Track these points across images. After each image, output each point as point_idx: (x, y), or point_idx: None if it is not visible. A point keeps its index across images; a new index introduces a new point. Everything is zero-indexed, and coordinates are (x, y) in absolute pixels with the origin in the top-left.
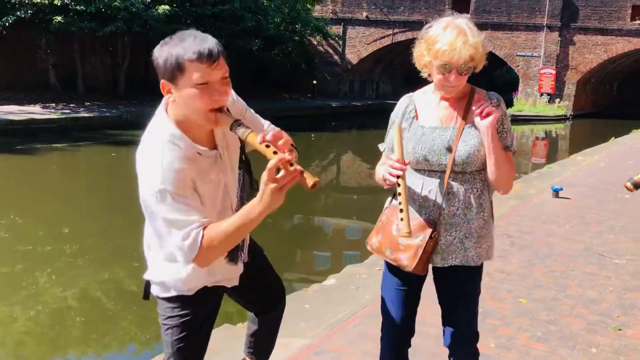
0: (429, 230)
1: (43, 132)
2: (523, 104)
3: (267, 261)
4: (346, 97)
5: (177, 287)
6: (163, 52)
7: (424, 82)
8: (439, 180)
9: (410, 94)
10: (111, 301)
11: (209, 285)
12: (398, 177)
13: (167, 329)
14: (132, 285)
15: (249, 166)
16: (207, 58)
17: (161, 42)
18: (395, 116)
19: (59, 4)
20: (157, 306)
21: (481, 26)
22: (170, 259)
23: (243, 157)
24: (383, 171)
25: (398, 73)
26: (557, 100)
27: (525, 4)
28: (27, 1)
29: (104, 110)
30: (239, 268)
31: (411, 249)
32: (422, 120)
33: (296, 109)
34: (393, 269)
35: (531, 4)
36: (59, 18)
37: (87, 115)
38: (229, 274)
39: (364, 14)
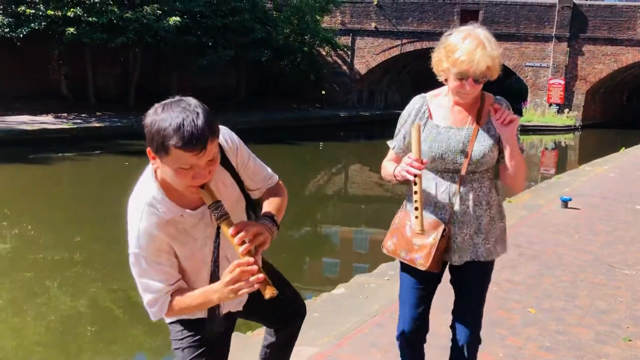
0: (441, 229)
1: (55, 142)
2: (532, 114)
3: (282, 277)
4: (354, 107)
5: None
6: (151, 125)
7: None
8: (451, 180)
9: (423, 94)
10: (121, 309)
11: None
12: (415, 176)
13: (179, 352)
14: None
15: (255, 207)
16: (193, 148)
17: (152, 109)
18: (407, 115)
19: (71, 16)
20: (169, 328)
21: None
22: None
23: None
24: (399, 169)
25: (406, 83)
26: (566, 110)
27: (534, 15)
28: (40, 13)
29: (115, 120)
30: (244, 296)
31: (425, 248)
32: (437, 120)
33: (305, 119)
34: (409, 270)
35: (540, 15)
36: (71, 29)
37: (98, 125)
38: (230, 303)
39: (373, 24)
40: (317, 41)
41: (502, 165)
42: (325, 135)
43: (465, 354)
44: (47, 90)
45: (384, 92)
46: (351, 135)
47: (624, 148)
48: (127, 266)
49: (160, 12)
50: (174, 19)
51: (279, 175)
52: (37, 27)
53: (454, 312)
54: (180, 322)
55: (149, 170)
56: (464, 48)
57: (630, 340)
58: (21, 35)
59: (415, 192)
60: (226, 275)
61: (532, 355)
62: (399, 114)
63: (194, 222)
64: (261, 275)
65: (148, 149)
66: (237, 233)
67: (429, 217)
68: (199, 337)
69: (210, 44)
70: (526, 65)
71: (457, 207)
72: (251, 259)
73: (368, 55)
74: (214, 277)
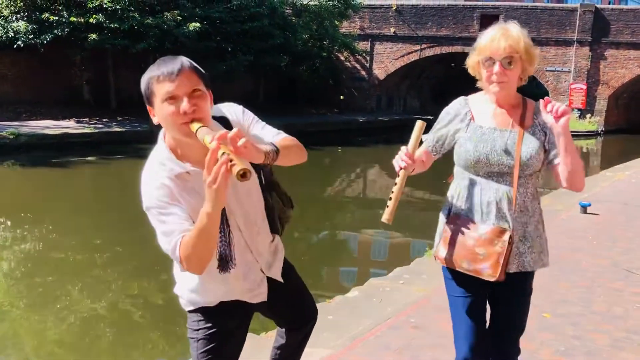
0: (507, 235)
1: (77, 146)
2: None
3: (301, 280)
4: (373, 112)
5: (194, 300)
6: (142, 82)
7: (453, 97)
8: (497, 183)
9: (465, 97)
10: (140, 314)
11: (227, 300)
12: (401, 168)
13: (193, 342)
14: (159, 299)
15: (272, 186)
16: (168, 74)
17: None
18: (446, 115)
19: (94, 23)
20: (188, 320)
21: None
22: (183, 271)
23: (263, 180)
24: (395, 159)
25: (425, 88)
26: (588, 115)
27: (555, 19)
28: (64, 20)
29: (136, 125)
30: (256, 283)
31: (492, 257)
32: (479, 122)
33: (323, 124)
34: (457, 279)
35: (561, 19)
36: (94, 36)
37: (119, 129)
38: (243, 288)
39: (392, 29)
40: (335, 46)
41: (555, 167)
42: (343, 140)
43: None
44: (69, 95)
45: (403, 97)
46: (370, 140)
47: None
48: (148, 270)
49: (180, 18)
50: (194, 25)
51: (296, 180)
52: (60, 34)
53: (493, 328)
54: (199, 311)
55: (159, 138)
56: (487, 35)
57: None
58: (44, 42)
59: (395, 184)
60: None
61: None
62: (418, 119)
63: (201, 180)
64: (228, 155)
65: (148, 107)
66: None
67: (490, 225)
68: (214, 329)
69: (229, 49)
70: (547, 70)
71: (507, 213)
72: (217, 144)
73: (387, 60)
74: (224, 243)
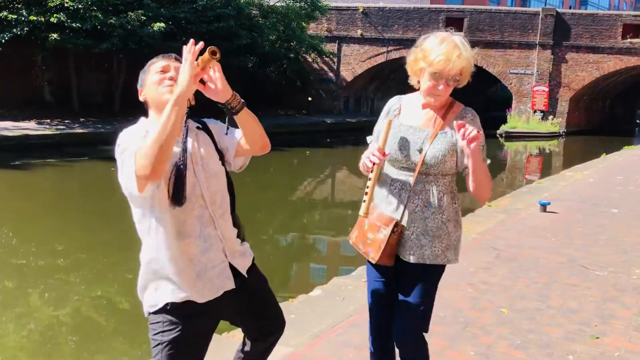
0: (392, 224)
1: (37, 148)
2: (516, 121)
3: (272, 293)
4: (341, 114)
5: (163, 296)
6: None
7: None
8: (406, 178)
9: (401, 95)
10: (103, 318)
11: (198, 301)
12: (373, 164)
13: (157, 344)
14: (123, 303)
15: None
16: (165, 57)
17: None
18: (386, 112)
19: (55, 22)
20: (149, 324)
21: (474, 44)
22: (151, 251)
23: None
24: (363, 158)
25: (393, 90)
26: (551, 117)
27: (518, 23)
28: (23, 19)
29: (99, 126)
30: (216, 263)
31: (376, 242)
32: (403, 119)
33: (291, 126)
34: (370, 263)
35: (524, 23)
36: (54, 35)
37: (81, 131)
38: (202, 263)
39: (359, 32)
40: (303, 48)
41: (467, 176)
42: (311, 141)
43: (404, 351)
44: (30, 96)
45: (370, 99)
46: (338, 141)
47: (605, 154)
48: (111, 274)
49: (144, 18)
50: (159, 25)
51: (264, 181)
52: (19, 33)
53: (395, 308)
54: (165, 312)
55: (139, 121)
56: (442, 49)
57: (597, 338)
58: (3, 41)
59: (370, 179)
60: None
61: (502, 353)
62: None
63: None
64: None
65: (139, 90)
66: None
67: (383, 213)
68: (180, 332)
69: None
70: (510, 73)
71: (407, 205)
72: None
73: (354, 62)
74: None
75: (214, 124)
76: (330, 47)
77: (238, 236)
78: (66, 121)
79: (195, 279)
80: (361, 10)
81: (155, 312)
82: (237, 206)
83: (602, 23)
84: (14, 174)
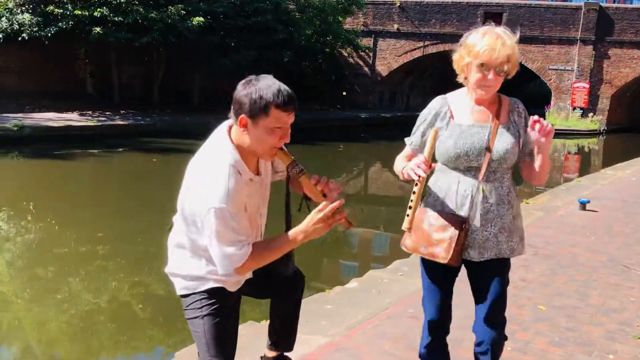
0: (461, 223)
1: (79, 139)
2: (555, 118)
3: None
4: (376, 109)
5: (204, 285)
6: (250, 92)
7: None
8: (474, 177)
9: (444, 95)
10: (140, 306)
11: (232, 290)
12: (419, 177)
13: (198, 319)
14: (159, 290)
15: (289, 195)
16: (290, 107)
17: (245, 80)
18: (427, 114)
19: (98, 16)
20: (185, 309)
21: None
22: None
23: (287, 190)
24: (407, 168)
25: (428, 85)
26: (590, 114)
27: (559, 18)
28: (68, 13)
29: (139, 118)
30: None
31: (444, 241)
32: (459, 119)
33: (325, 120)
34: (428, 265)
35: (565, 18)
36: (98, 29)
37: (122, 122)
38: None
39: (395, 26)
40: (339, 42)
41: (527, 164)
42: (345, 136)
43: (491, 351)
44: (73, 88)
45: (406, 94)
46: (372, 136)
47: None
48: (148, 262)
49: (184, 12)
50: (198, 19)
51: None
52: (64, 27)
53: (477, 311)
54: (199, 293)
55: (225, 138)
56: (485, 41)
57: (639, 338)
58: (49, 35)
59: (414, 193)
60: (316, 215)
61: (541, 350)
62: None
63: (256, 187)
64: (345, 211)
65: (242, 117)
66: (318, 182)
67: (451, 213)
68: (217, 306)
69: (232, 44)
70: (550, 69)
71: (480, 205)
72: (337, 201)
73: (390, 56)
74: (288, 224)
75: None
76: (366, 41)
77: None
78: (107, 113)
79: (237, 282)
80: (398, 4)
81: (192, 293)
82: (272, 201)
83: None
84: (56, 163)
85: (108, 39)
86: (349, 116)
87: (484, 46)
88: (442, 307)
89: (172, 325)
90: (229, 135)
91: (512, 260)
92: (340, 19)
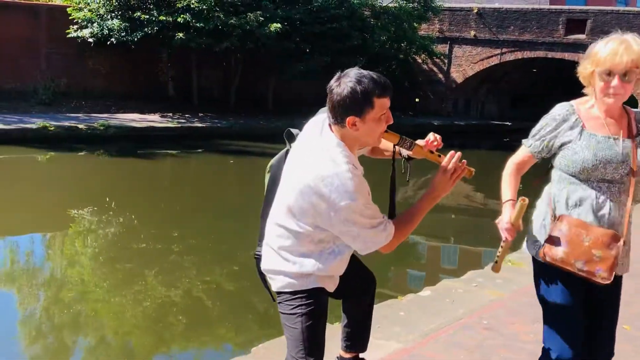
0: (621, 241)
1: (160, 139)
2: None
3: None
4: (449, 116)
5: (308, 284)
6: (354, 93)
7: (534, 104)
8: (608, 190)
9: (570, 102)
10: (210, 303)
11: (331, 290)
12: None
13: (297, 317)
14: (230, 287)
15: (394, 170)
16: (389, 91)
17: (335, 81)
18: (552, 121)
19: (181, 22)
20: (282, 303)
21: None
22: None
23: (393, 165)
24: (500, 222)
25: (505, 94)
26: None
27: None
28: (154, 19)
29: (216, 121)
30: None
31: (608, 260)
32: (592, 129)
33: (397, 127)
34: (555, 279)
35: None
36: (180, 34)
37: (200, 125)
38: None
39: (472, 32)
40: (413, 48)
41: None
42: None
43: None
44: (155, 90)
45: (481, 102)
46: (444, 144)
47: None
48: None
49: (262, 18)
50: (275, 26)
51: (369, 184)
52: (149, 32)
53: (591, 329)
54: (300, 292)
55: (330, 136)
56: (608, 47)
57: None
58: (135, 39)
59: (501, 247)
60: (443, 172)
61: None
62: (495, 125)
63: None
64: (464, 161)
65: (349, 118)
66: (430, 144)
67: (603, 229)
68: (314, 306)
69: (307, 50)
70: None
71: (618, 219)
72: (458, 153)
73: (465, 63)
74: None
75: None
76: (441, 48)
77: None
78: (186, 115)
79: (335, 282)
80: (475, 10)
81: (292, 292)
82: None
83: None
84: (138, 162)
85: (190, 44)
86: (421, 123)
87: (606, 52)
88: (579, 336)
89: (241, 324)
90: (332, 133)
91: None
92: (416, 25)
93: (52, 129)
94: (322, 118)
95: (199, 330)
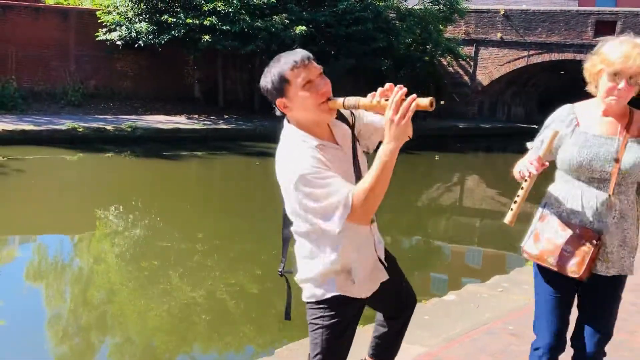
0: (595, 237)
1: (186, 141)
2: None
3: (400, 269)
4: (474, 119)
5: (331, 290)
6: (267, 78)
7: (561, 106)
8: (598, 189)
9: (572, 104)
10: (233, 303)
11: (362, 297)
12: (530, 173)
13: (318, 328)
14: (254, 289)
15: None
16: (301, 62)
17: (262, 75)
18: (551, 120)
19: (207, 25)
20: (308, 310)
21: None
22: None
23: (355, 147)
24: (521, 166)
25: (532, 96)
26: None
27: None
28: (181, 22)
29: (241, 123)
30: (371, 261)
31: (578, 255)
32: (585, 128)
33: (421, 129)
34: (546, 277)
35: None
36: (207, 37)
37: (225, 127)
38: (361, 263)
39: (499, 34)
40: (439, 51)
41: None
42: (441, 146)
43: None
44: (181, 92)
45: (507, 105)
46: (469, 147)
47: None
48: (244, 263)
49: (287, 21)
50: (300, 28)
51: (392, 186)
52: (176, 35)
53: (582, 322)
54: (322, 302)
55: (285, 125)
56: (621, 49)
57: None
58: (162, 42)
59: (522, 188)
60: (390, 116)
61: None
62: (522, 128)
63: (335, 154)
64: (413, 95)
65: (278, 101)
66: (382, 93)
67: (583, 226)
68: (337, 319)
69: (332, 52)
70: None
71: (605, 218)
72: (398, 88)
73: (492, 66)
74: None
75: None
76: (467, 50)
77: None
78: (212, 117)
79: (365, 279)
80: (502, 12)
81: (316, 302)
82: None
83: None
84: (165, 163)
85: (216, 46)
86: (446, 125)
87: (619, 54)
88: (561, 326)
89: (263, 326)
90: (288, 121)
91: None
92: (442, 27)
93: (80, 130)
94: None
95: (222, 331)
